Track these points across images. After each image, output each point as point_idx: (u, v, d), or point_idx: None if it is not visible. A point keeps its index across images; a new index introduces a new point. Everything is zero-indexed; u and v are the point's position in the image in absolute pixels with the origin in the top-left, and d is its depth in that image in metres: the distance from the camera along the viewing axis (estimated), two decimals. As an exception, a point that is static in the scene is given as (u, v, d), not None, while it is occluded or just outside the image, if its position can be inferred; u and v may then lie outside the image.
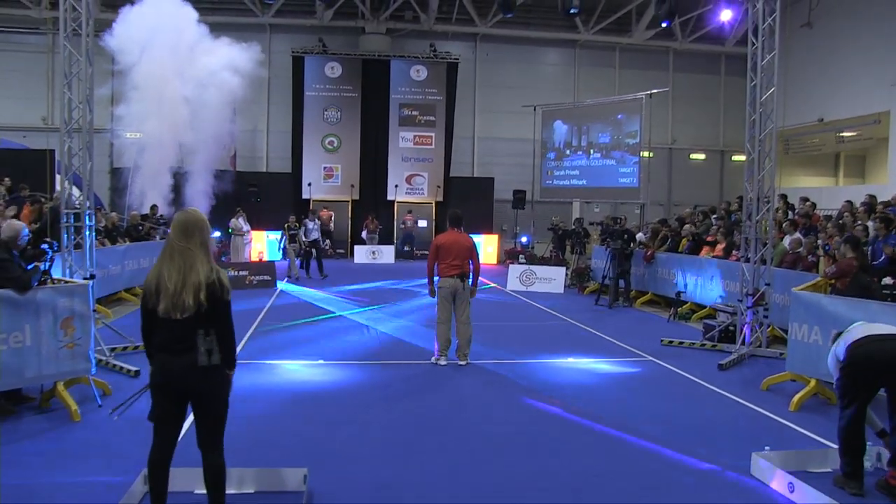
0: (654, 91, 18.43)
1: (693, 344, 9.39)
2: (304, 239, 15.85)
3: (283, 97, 22.54)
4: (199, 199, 17.90)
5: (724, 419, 6.22)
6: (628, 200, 20.07)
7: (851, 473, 4.56)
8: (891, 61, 17.89)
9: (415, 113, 22.64)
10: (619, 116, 19.18)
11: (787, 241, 10.79)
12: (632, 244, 13.34)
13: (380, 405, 6.40)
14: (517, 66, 23.92)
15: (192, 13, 17.25)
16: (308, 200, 21.69)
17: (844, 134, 20.03)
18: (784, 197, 14.04)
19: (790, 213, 13.41)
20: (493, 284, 15.72)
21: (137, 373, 7.05)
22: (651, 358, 8.58)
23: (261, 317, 10.84)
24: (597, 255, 15.26)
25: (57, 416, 5.75)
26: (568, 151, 20.65)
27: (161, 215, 15.76)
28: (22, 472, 4.59)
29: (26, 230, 5.92)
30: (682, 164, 25.09)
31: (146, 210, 16.21)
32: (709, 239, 12.60)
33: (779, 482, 4.57)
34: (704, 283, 11.71)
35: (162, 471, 3.64)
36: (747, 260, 9.09)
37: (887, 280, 8.11)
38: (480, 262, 8.23)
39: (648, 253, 13.37)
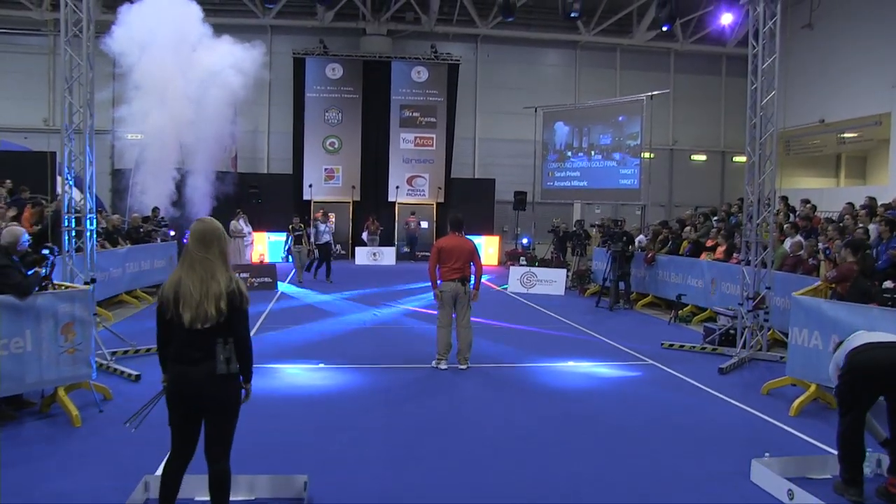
0: (655, 93, 18.43)
1: (694, 347, 9.40)
2: (313, 241, 15.71)
3: (283, 98, 22.54)
4: (201, 201, 17.90)
5: (725, 424, 6.22)
6: (629, 202, 20.06)
7: (851, 480, 4.55)
8: (892, 62, 17.87)
9: (416, 114, 22.64)
10: (621, 118, 19.17)
11: (787, 243, 10.78)
12: (631, 246, 13.34)
13: (380, 409, 6.41)
14: (518, 67, 23.93)
15: (193, 13, 17.21)
16: (309, 202, 21.71)
17: (845, 135, 20.01)
18: (785, 199, 14.04)
19: (791, 215, 13.41)
20: (498, 287, 15.74)
21: (139, 377, 7.06)
22: (651, 361, 8.58)
23: (261, 319, 10.84)
24: (597, 257, 15.27)
25: (58, 421, 5.76)
26: (569, 153, 20.64)
27: (162, 217, 15.75)
28: (22, 478, 4.60)
29: (26, 235, 5.93)
30: (683, 165, 25.07)
31: (147, 211, 16.21)
32: (708, 244, 12.58)
33: (778, 489, 4.57)
34: (705, 287, 11.70)
35: (176, 479, 3.66)
36: (748, 263, 9.09)
37: (888, 284, 8.11)
38: (482, 264, 8.25)
39: (649, 255, 13.37)
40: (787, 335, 7.43)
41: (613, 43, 23.85)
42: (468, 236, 8.42)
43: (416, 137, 22.69)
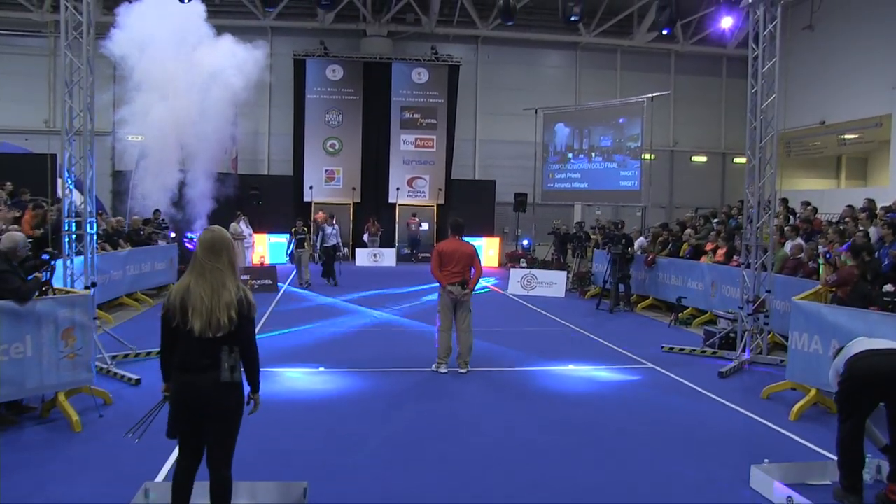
0: (656, 94, 18.42)
1: (694, 351, 9.40)
2: (320, 244, 15.64)
3: (284, 100, 22.54)
4: (201, 202, 17.89)
5: (724, 429, 6.22)
6: (630, 203, 20.05)
7: (850, 486, 4.55)
8: (892, 64, 17.85)
9: (416, 115, 22.64)
10: (621, 120, 19.16)
11: (788, 246, 10.78)
12: (630, 249, 13.33)
13: (380, 414, 6.41)
14: (518, 68, 23.92)
15: (194, 14, 17.17)
16: (309, 203, 21.72)
17: (846, 136, 20.00)
18: (785, 201, 14.01)
19: (791, 217, 13.40)
20: (491, 287, 15.74)
21: (139, 381, 7.07)
22: (651, 365, 8.58)
23: (262, 322, 10.84)
24: (598, 259, 15.27)
25: (58, 426, 5.76)
26: (570, 155, 20.64)
27: (163, 219, 15.75)
28: (23, 483, 4.61)
29: (25, 241, 5.93)
30: (683, 166, 25.06)
31: (148, 213, 16.21)
32: (708, 248, 12.58)
33: (778, 495, 4.57)
34: (705, 289, 11.70)
35: (187, 487, 3.67)
36: (748, 266, 9.08)
37: (888, 287, 8.09)
38: (482, 266, 8.25)
39: (649, 258, 13.37)
40: (787, 338, 7.44)
41: (614, 44, 23.84)
42: (469, 238, 8.43)
43: (416, 139, 22.70)
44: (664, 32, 9.81)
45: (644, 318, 12.66)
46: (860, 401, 4.52)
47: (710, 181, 25.22)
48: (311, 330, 10.45)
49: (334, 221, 16.81)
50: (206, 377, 3.50)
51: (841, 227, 10.88)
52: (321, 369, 7.96)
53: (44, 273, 5.97)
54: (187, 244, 15.07)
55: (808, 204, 13.63)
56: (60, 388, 5.82)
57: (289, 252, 15.57)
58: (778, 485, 4.60)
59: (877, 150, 19.50)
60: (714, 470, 5.17)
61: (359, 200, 22.52)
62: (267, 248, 20.58)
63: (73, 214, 7.69)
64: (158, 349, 3.70)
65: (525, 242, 20.89)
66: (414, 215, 22.32)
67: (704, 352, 9.32)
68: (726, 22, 11.78)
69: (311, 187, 22.01)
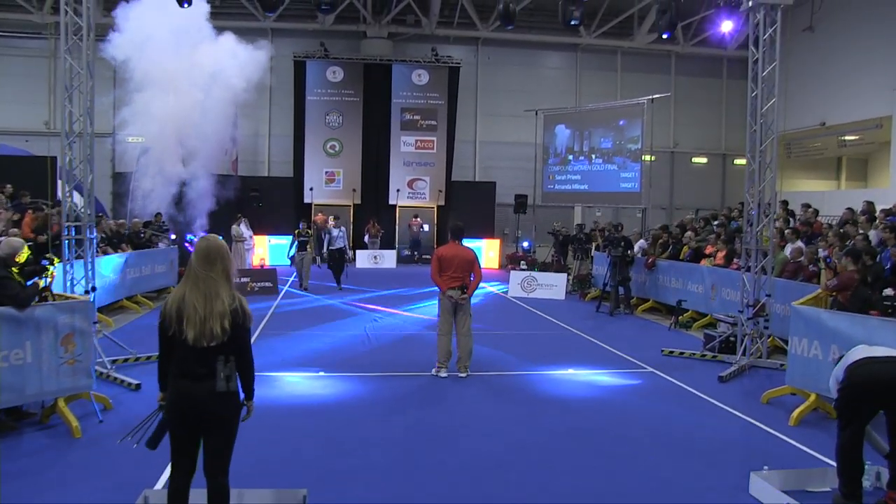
0: (656, 96, 18.42)
1: (694, 354, 9.39)
2: (327, 247, 15.50)
3: (284, 101, 22.54)
4: (202, 204, 17.91)
5: (724, 435, 6.22)
6: (630, 205, 20.05)
7: (850, 494, 4.55)
8: (892, 65, 17.84)
9: (416, 117, 22.64)
10: (621, 122, 19.17)
11: (788, 249, 10.77)
12: (629, 251, 13.33)
13: (380, 419, 6.41)
14: (519, 69, 23.90)
15: (195, 15, 17.15)
16: (310, 205, 21.72)
17: (846, 138, 19.98)
18: (785, 203, 14.00)
19: (791, 220, 13.39)
20: (493, 288, 15.74)
21: (139, 386, 7.07)
22: (652, 369, 8.58)
23: (262, 326, 10.85)
24: (598, 261, 15.26)
25: (58, 432, 5.77)
26: (570, 157, 20.65)
27: (163, 222, 15.76)
28: (22, 490, 4.61)
29: (24, 247, 5.94)
30: (684, 167, 25.04)
31: (148, 215, 16.23)
32: (708, 251, 12.57)
33: (777, 503, 4.56)
34: (705, 292, 11.70)
35: (184, 495, 3.68)
36: (748, 270, 9.08)
37: (888, 291, 8.09)
38: (482, 269, 8.25)
39: (650, 260, 13.37)
40: (787, 342, 7.44)
41: (614, 45, 23.82)
42: (469, 240, 8.42)
43: (416, 140, 22.69)
44: (664, 36, 9.78)
45: (644, 320, 12.66)
46: (859, 408, 4.52)
47: (711, 182, 25.20)
48: (311, 333, 10.45)
49: (341, 224, 16.47)
50: (203, 386, 3.51)
51: (841, 231, 10.87)
52: (321, 373, 7.96)
53: (43, 279, 5.97)
54: (188, 246, 15.06)
55: (808, 206, 13.62)
56: (60, 394, 5.82)
57: (290, 254, 15.25)
58: (777, 492, 4.59)
59: (877, 151, 19.49)
60: (713, 476, 5.17)
61: (359, 202, 22.51)
62: (267, 249, 20.59)
63: (74, 219, 7.68)
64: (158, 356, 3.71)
65: (525, 244, 20.90)
66: (416, 216, 22.33)
67: (704, 356, 9.32)
68: (726, 26, 11.74)
69: (311, 189, 22.00)
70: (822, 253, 10.21)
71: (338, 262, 15.44)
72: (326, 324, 11.25)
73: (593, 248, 16.38)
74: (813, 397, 6.60)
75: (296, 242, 14.97)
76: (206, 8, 17.00)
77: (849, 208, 12.77)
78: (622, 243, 13.09)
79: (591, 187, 20.11)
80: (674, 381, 8.04)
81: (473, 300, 8.07)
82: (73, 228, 7.64)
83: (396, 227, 22.52)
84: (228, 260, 3.67)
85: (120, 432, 5.59)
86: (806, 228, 12.09)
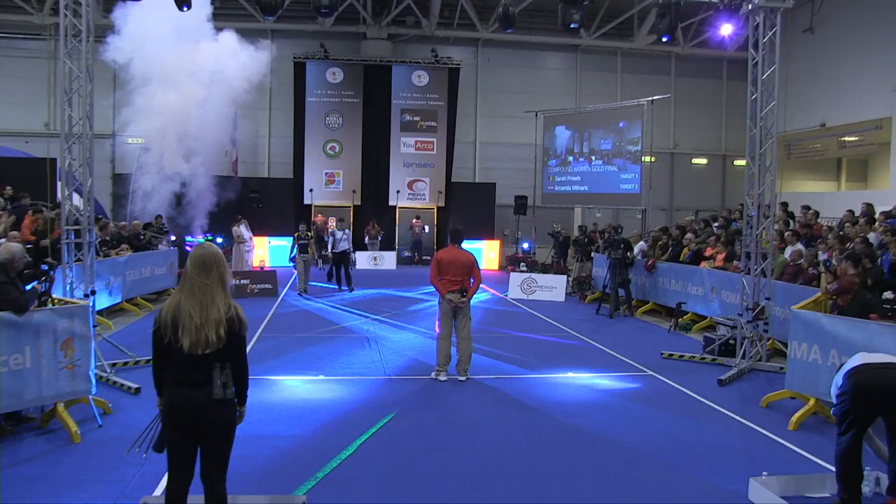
0: (656, 97, 18.42)
1: (693, 357, 9.39)
2: (331, 250, 15.42)
3: (284, 102, 22.53)
4: (202, 205, 17.93)
5: (723, 439, 6.21)
6: (630, 206, 20.06)
7: (849, 500, 4.54)
8: (893, 66, 17.83)
9: (416, 118, 22.63)
10: (621, 124, 19.17)
11: (787, 252, 10.77)
12: (629, 253, 13.33)
13: (380, 424, 6.40)
14: (519, 70, 23.90)
15: (195, 16, 17.13)
16: (310, 206, 21.72)
17: (846, 139, 19.98)
18: (784, 205, 13.99)
19: (791, 221, 13.38)
20: (494, 292, 15.73)
21: (138, 390, 7.06)
22: (651, 372, 8.57)
23: (261, 328, 10.85)
24: (598, 263, 15.26)
25: (57, 437, 5.76)
26: (570, 158, 20.65)
27: (163, 224, 15.77)
28: (22, 496, 4.61)
29: (23, 252, 5.93)
30: (684, 168, 25.04)
31: (148, 216, 16.23)
32: (707, 253, 12.57)
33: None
34: (705, 295, 11.70)
35: (182, 503, 3.66)
36: (748, 272, 9.08)
37: (888, 294, 8.09)
38: (482, 271, 8.24)
39: (649, 262, 13.36)
40: (786, 345, 7.44)
41: (614, 46, 23.82)
42: (468, 241, 8.42)
43: (416, 141, 22.68)
44: (664, 40, 9.77)
45: (644, 322, 12.66)
46: (858, 414, 4.52)
47: (711, 183, 25.19)
48: (311, 336, 10.44)
49: (345, 226, 16.17)
50: (200, 393, 3.51)
51: (841, 233, 10.87)
52: (320, 377, 7.96)
53: (42, 284, 5.97)
54: (188, 248, 15.05)
55: (808, 208, 13.61)
56: (59, 399, 5.82)
57: (292, 256, 15.10)
58: (776, 498, 4.59)
59: (877, 152, 19.48)
60: (712, 482, 5.17)
61: (359, 203, 22.50)
62: (267, 251, 20.59)
63: (73, 222, 7.68)
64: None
65: (525, 245, 20.90)
66: (418, 217, 22.33)
67: (704, 359, 9.32)
68: (726, 29, 11.72)
69: (311, 190, 22.00)
70: (822, 256, 10.21)
71: (340, 265, 15.39)
72: (326, 327, 11.24)
73: (593, 249, 16.39)
74: (812, 401, 6.60)
75: (296, 245, 14.87)
76: (208, 10, 16.99)
77: (849, 210, 12.76)
78: (622, 245, 13.08)
79: (591, 188, 20.11)
80: (673, 384, 8.03)
81: (473, 302, 8.05)
82: (73, 232, 7.63)
83: (397, 228, 22.52)
84: (224, 267, 3.67)
85: (120, 437, 5.64)
86: (806, 231, 12.08)
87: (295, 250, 14.89)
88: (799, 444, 6.01)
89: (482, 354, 8.88)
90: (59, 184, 10.43)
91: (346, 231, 15.73)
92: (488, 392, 7.61)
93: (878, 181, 20.20)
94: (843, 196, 19.72)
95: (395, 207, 22.53)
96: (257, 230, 18.82)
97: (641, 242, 14.66)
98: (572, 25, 8.93)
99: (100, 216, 13.70)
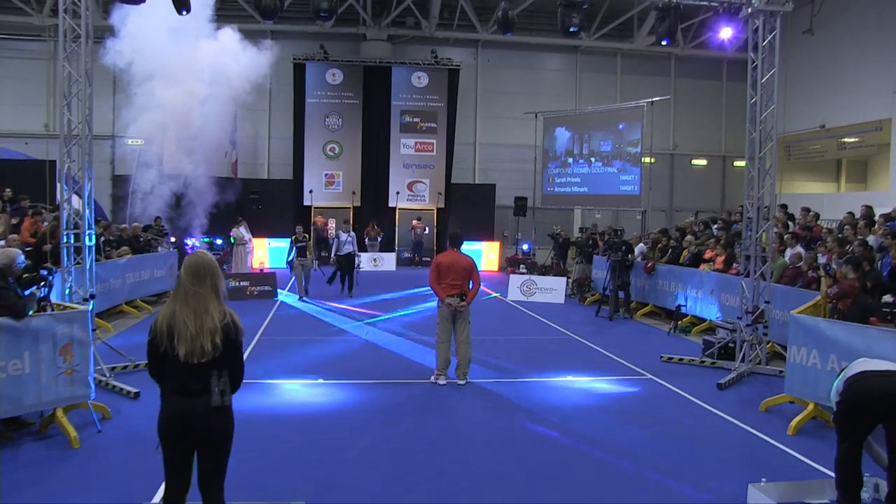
0: (656, 99, 18.41)
1: (692, 360, 9.38)
2: (336, 254, 15.20)
3: (284, 104, 22.53)
4: (201, 207, 17.92)
5: (722, 444, 6.21)
6: (630, 208, 20.05)
7: (848, 507, 4.55)
8: (892, 68, 17.83)
9: (416, 119, 22.63)
10: (621, 126, 19.16)
11: (787, 254, 10.76)
12: (629, 255, 13.33)
13: (379, 428, 6.40)
14: (519, 72, 23.89)
15: (196, 17, 17.06)
16: (309, 207, 21.72)
17: (846, 140, 19.99)
18: (784, 207, 13.98)
19: (791, 223, 13.37)
20: (495, 294, 15.72)
21: (137, 394, 7.06)
22: (650, 376, 8.57)
23: (260, 331, 10.83)
24: (597, 265, 15.26)
25: (56, 442, 5.75)
26: (570, 159, 20.65)
27: (163, 226, 15.76)
28: (20, 502, 4.60)
29: (21, 257, 5.93)
30: (683, 169, 25.04)
31: (147, 218, 16.23)
32: (707, 255, 12.56)
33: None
34: (705, 297, 11.69)
35: None
36: (747, 275, 9.07)
37: (887, 298, 8.08)
38: (481, 271, 8.22)
39: (649, 264, 13.36)
40: (786, 348, 7.43)
41: (614, 48, 23.82)
42: (468, 242, 8.41)
43: (416, 143, 22.69)
44: (664, 43, 9.77)
45: (643, 325, 12.65)
46: (858, 421, 4.51)
47: (711, 184, 25.19)
48: (310, 339, 10.43)
49: (350, 228, 15.75)
50: (198, 402, 3.50)
51: (840, 236, 10.86)
52: (319, 381, 7.95)
53: (41, 289, 5.96)
54: (188, 250, 15.04)
55: (808, 210, 13.60)
56: (58, 404, 5.81)
57: (289, 259, 14.70)
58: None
59: (877, 153, 19.49)
60: (711, 488, 5.16)
61: (359, 204, 22.50)
62: (267, 252, 20.59)
63: (73, 226, 7.68)
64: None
65: (525, 246, 20.90)
66: (418, 219, 22.33)
67: (703, 362, 9.31)
68: (725, 33, 11.71)
69: (311, 191, 21.99)
70: (821, 259, 10.20)
71: (344, 268, 15.16)
72: (326, 330, 11.24)
73: (596, 252, 16.38)
74: (812, 406, 6.60)
75: (294, 248, 14.33)
76: (209, 12, 16.97)
77: (849, 213, 12.75)
78: (622, 247, 13.08)
79: (590, 189, 20.11)
80: (672, 388, 8.03)
81: (472, 305, 8.05)
82: (72, 236, 7.62)
83: (396, 229, 22.52)
84: (218, 275, 3.66)
85: (119, 443, 5.65)
86: (806, 233, 12.07)
87: (292, 254, 14.34)
88: (798, 449, 6.00)
89: (482, 358, 8.87)
90: (58, 186, 10.44)
91: (352, 233, 15.23)
92: (487, 396, 7.60)
93: (877, 182, 20.20)
94: (842, 197, 19.72)
95: (394, 209, 22.54)
96: (257, 231, 18.82)
97: (641, 244, 14.65)
98: (571, 29, 8.92)
99: (99, 218, 13.70)
